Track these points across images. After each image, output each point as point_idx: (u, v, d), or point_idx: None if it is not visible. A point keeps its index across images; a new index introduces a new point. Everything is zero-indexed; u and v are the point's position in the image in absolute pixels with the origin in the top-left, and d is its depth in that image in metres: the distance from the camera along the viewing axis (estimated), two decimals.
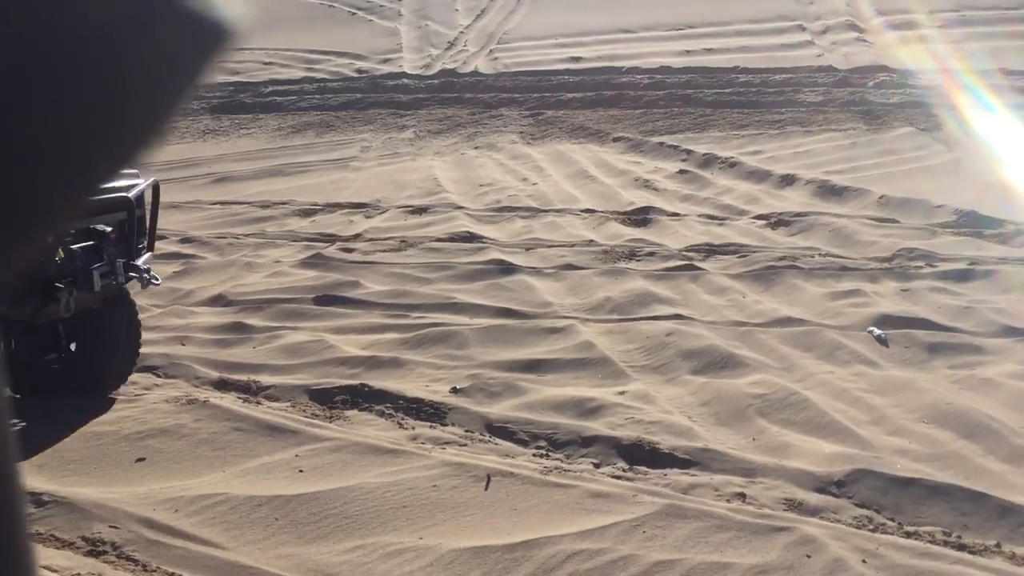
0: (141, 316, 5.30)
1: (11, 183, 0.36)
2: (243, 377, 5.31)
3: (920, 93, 11.89)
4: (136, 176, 4.74)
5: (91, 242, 4.46)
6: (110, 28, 0.38)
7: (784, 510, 3.78)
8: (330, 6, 18.72)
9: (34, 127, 0.36)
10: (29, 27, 0.35)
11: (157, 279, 4.90)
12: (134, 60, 0.39)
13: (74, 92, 0.37)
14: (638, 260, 7.19)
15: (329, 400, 4.96)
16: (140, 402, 4.90)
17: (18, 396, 4.77)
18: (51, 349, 4.93)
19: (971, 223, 7.57)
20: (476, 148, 11.89)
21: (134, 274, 4.71)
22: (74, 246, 4.36)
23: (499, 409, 4.77)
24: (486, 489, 3.92)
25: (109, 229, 4.53)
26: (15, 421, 4.44)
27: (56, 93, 0.36)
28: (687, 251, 7.32)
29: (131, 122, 0.40)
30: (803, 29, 15.41)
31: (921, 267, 6.71)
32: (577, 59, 14.78)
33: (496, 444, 4.46)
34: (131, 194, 4.61)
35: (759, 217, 8.24)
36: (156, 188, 4.89)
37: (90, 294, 4.45)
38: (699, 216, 8.37)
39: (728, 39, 14.95)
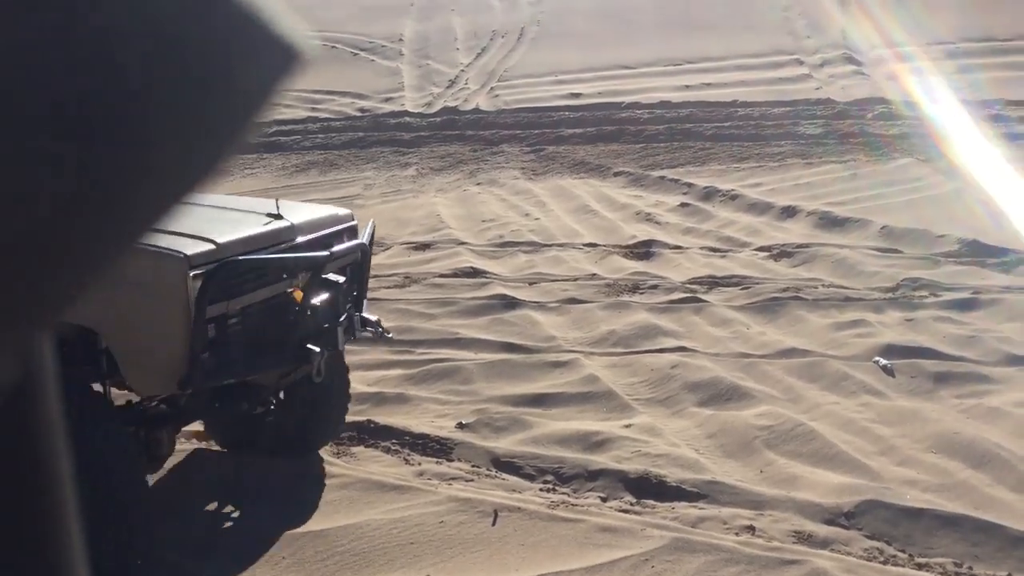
0: None
1: (67, 226, 0.35)
2: None
3: (919, 124, 11.97)
4: (343, 217, 4.22)
5: (328, 295, 3.87)
6: (176, 55, 0.37)
7: (794, 543, 3.75)
8: (332, 47, 18.93)
9: (95, 163, 0.35)
10: (98, 56, 0.35)
11: (390, 332, 4.49)
12: (199, 91, 0.37)
13: (137, 125, 0.35)
14: (641, 293, 7.19)
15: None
16: None
17: (227, 449, 4.67)
18: (264, 402, 4.40)
19: (974, 252, 7.58)
20: (478, 184, 11.96)
21: (369, 328, 4.17)
22: (314, 300, 3.79)
23: (505, 443, 4.75)
24: (493, 524, 3.90)
25: (342, 279, 3.96)
26: None
27: (119, 127, 0.35)
28: (690, 283, 7.33)
29: (192, 157, 0.38)
30: (801, 63, 15.55)
31: (925, 297, 6.71)
32: (577, 95, 14.90)
33: (502, 479, 4.44)
34: (365, 239, 4.15)
35: (761, 249, 8.25)
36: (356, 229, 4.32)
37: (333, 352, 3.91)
38: (701, 249, 8.39)
39: (726, 74, 15.08)
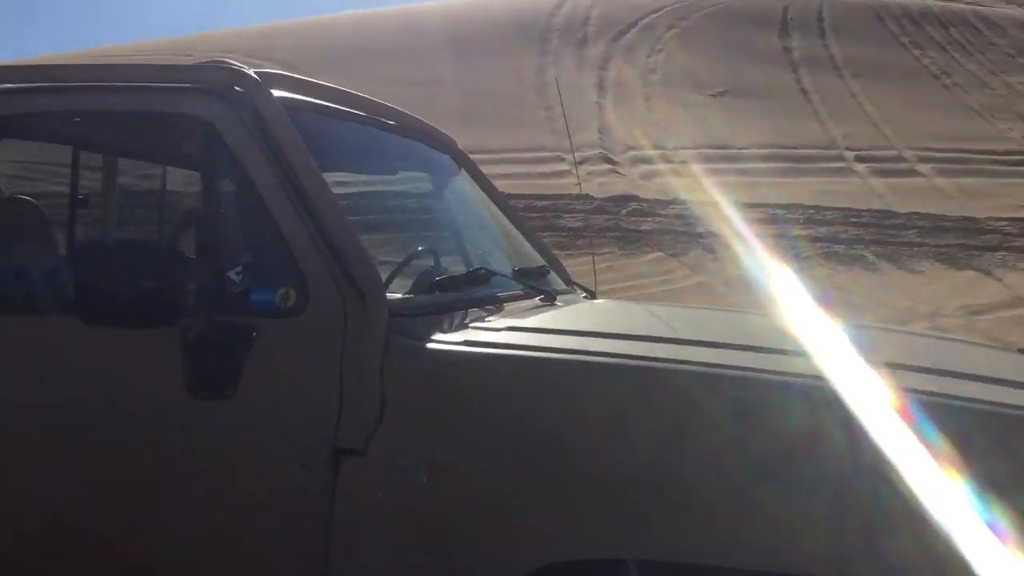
0: None
1: None
2: None
3: (668, 221, 12.89)
4: None
5: None
6: None
7: None
8: None
9: None
10: None
11: None
12: None
13: None
14: None
15: None
16: None
17: None
18: None
19: None
20: None
21: None
22: None
23: None
24: None
25: None
26: None
27: None
28: None
29: None
30: (562, 159, 16.41)
31: None
32: (343, 183, 14.87)
33: None
34: None
35: None
36: None
37: None
38: None
39: (493, 166, 15.62)
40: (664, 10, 31.96)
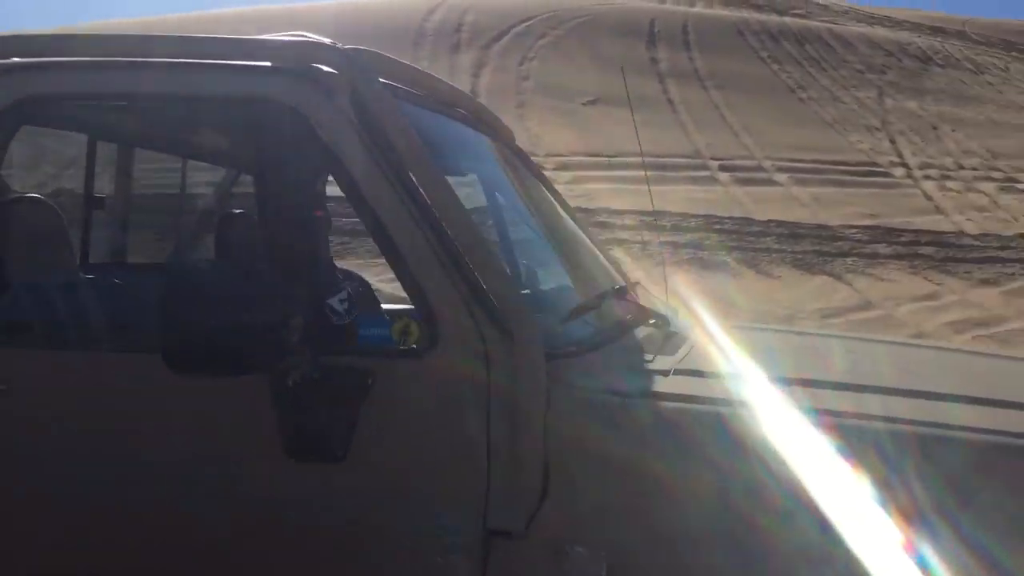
0: None
1: None
2: None
3: None
4: None
5: None
6: None
7: None
8: None
9: None
10: None
11: None
12: None
13: None
14: None
15: None
16: None
17: None
18: None
19: None
20: None
21: None
22: None
23: None
24: None
25: None
26: None
27: None
28: None
29: None
30: None
31: None
32: None
33: None
34: None
35: None
36: None
37: None
38: None
39: None
40: (536, 19, 32.42)
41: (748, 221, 14.47)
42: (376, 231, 1.77)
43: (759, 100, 24.34)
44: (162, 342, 1.57)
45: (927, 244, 13.42)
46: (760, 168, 18.32)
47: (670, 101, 24.49)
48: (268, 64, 1.85)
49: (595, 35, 30.82)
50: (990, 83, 30.72)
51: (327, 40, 1.90)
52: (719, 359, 2.09)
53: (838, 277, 11.97)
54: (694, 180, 16.96)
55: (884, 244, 13.48)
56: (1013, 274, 11.92)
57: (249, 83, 1.85)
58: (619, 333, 2.10)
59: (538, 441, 1.60)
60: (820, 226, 14.23)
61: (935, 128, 23.10)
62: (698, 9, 40.42)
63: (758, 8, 43.11)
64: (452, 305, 1.70)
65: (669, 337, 2.29)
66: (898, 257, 12.84)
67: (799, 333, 3.45)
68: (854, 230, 14.11)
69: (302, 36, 1.94)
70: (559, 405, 1.63)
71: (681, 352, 2.11)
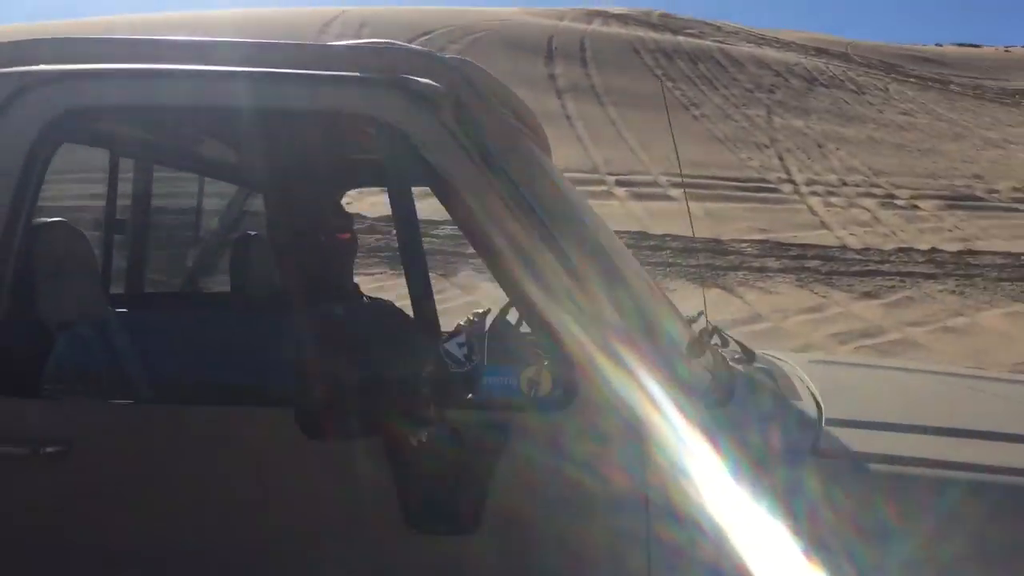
0: None
1: None
2: None
3: (439, 242, 13.02)
4: None
5: None
6: None
7: None
8: None
9: None
10: None
11: None
12: None
13: None
14: None
15: None
16: None
17: None
18: None
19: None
20: None
21: None
22: None
23: None
24: None
25: None
26: None
27: None
28: None
29: None
30: None
31: None
32: None
33: None
34: None
35: None
36: None
37: None
38: None
39: None
40: (435, 32, 32.47)
41: (644, 235, 14.74)
42: (495, 262, 1.57)
43: (654, 117, 24.89)
44: (298, 403, 1.37)
45: (813, 258, 13.92)
46: (655, 183, 18.72)
47: (568, 117, 24.82)
48: (358, 75, 1.64)
49: (493, 50, 31.02)
50: (871, 103, 32.16)
51: (420, 47, 1.71)
52: (858, 405, 1.88)
53: (730, 290, 12.29)
54: (592, 195, 17.20)
55: (773, 258, 13.91)
56: (892, 287, 12.45)
57: (338, 96, 1.64)
58: (737, 373, 1.85)
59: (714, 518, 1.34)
60: (713, 240, 14.60)
61: (820, 146, 24.04)
62: (595, 27, 41.13)
63: (653, 27, 44.13)
64: (593, 349, 1.47)
65: (771, 376, 2.02)
66: (786, 271, 13.27)
67: (870, 367, 3.07)
68: (745, 244, 14.53)
69: (390, 43, 1.75)
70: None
71: (806, 396, 1.84)
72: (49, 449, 1.55)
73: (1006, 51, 69.61)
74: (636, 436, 1.40)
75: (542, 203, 1.59)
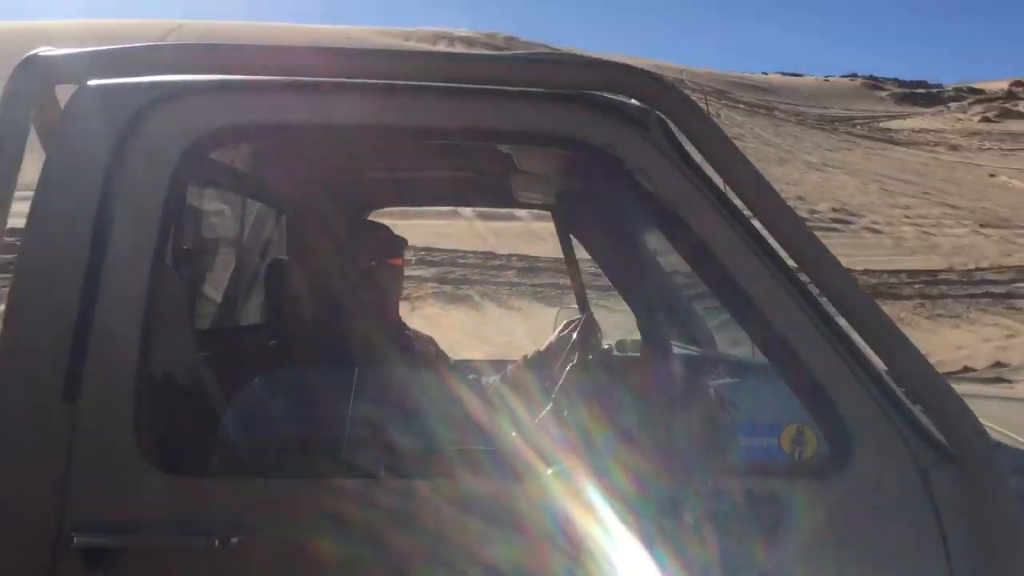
0: None
1: None
2: None
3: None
4: None
5: None
6: None
7: None
8: None
9: None
10: None
11: None
12: None
13: None
14: None
15: None
16: None
17: None
18: None
19: None
20: None
21: None
22: None
23: None
24: None
25: None
26: None
27: None
28: None
29: None
30: None
31: None
32: None
33: None
34: None
35: None
36: None
37: None
38: None
39: None
40: None
41: (490, 255, 14.94)
42: (741, 303, 1.39)
43: None
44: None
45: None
46: None
47: None
48: (570, 93, 1.42)
49: None
50: None
51: (625, 64, 1.46)
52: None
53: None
54: (438, 215, 17.29)
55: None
56: None
57: (534, 118, 1.43)
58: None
59: None
60: (557, 259, 14.94)
61: None
62: (440, 48, 41.38)
63: (496, 50, 44.81)
64: (865, 404, 1.27)
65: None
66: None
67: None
68: (588, 264, 14.95)
69: (596, 61, 1.51)
70: None
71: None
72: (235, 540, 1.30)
73: (826, 80, 74.56)
74: (923, 512, 1.17)
75: (795, 248, 1.44)
